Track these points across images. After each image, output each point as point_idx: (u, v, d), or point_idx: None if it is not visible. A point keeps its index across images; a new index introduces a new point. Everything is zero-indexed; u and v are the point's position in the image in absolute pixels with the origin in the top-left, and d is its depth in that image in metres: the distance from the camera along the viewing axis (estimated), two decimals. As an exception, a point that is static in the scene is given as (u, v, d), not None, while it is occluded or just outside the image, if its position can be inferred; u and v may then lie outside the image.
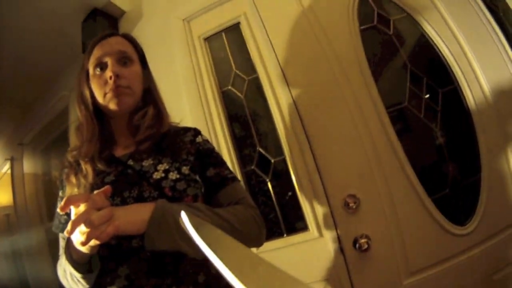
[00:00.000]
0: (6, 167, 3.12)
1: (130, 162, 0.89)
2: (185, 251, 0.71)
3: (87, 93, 0.94)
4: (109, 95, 0.90)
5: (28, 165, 2.88)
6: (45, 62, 2.23)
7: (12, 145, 3.02)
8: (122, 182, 0.84)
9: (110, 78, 0.89)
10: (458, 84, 1.47)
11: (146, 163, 0.88)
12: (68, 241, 0.74)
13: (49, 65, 2.26)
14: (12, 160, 3.03)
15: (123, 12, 2.02)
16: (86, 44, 1.89)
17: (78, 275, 0.73)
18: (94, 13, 1.91)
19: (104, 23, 1.92)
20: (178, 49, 1.75)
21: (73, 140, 0.99)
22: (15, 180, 2.98)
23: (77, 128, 0.97)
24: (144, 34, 1.86)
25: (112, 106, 0.90)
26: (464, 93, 1.46)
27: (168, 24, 1.81)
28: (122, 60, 0.94)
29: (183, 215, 0.47)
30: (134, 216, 0.70)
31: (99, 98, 0.92)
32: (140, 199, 0.81)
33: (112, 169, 0.88)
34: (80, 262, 0.73)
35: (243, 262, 0.31)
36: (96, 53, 0.93)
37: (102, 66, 0.92)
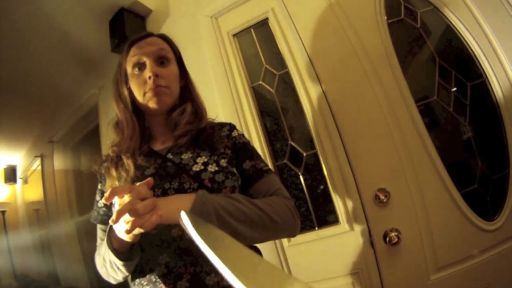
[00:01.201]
0: (37, 163, 3.21)
1: (170, 156, 0.92)
2: None
3: (125, 92, 0.97)
4: (148, 95, 0.92)
5: (58, 162, 2.94)
6: (74, 61, 2.28)
7: (42, 143, 3.09)
8: (162, 175, 0.87)
9: (149, 78, 0.91)
10: (487, 77, 1.45)
11: (185, 156, 0.90)
12: (110, 231, 0.77)
13: (78, 63, 2.31)
14: (42, 157, 3.13)
15: (149, 11, 2.04)
16: (115, 43, 1.93)
17: (119, 263, 0.76)
18: (121, 12, 1.94)
19: (132, 22, 1.95)
20: (208, 46, 1.76)
21: (111, 135, 1.02)
22: (46, 177, 3.06)
23: (116, 124, 1.00)
24: (172, 32, 1.80)
25: (152, 105, 0.93)
26: (493, 86, 1.44)
27: (196, 22, 1.82)
28: (160, 60, 0.96)
29: (183, 215, 0.48)
30: (176, 206, 0.71)
31: (139, 97, 0.94)
32: (180, 190, 0.83)
33: (152, 163, 0.91)
34: (121, 251, 0.76)
35: (243, 262, 0.32)
36: (134, 53, 0.95)
37: (140, 66, 0.94)
